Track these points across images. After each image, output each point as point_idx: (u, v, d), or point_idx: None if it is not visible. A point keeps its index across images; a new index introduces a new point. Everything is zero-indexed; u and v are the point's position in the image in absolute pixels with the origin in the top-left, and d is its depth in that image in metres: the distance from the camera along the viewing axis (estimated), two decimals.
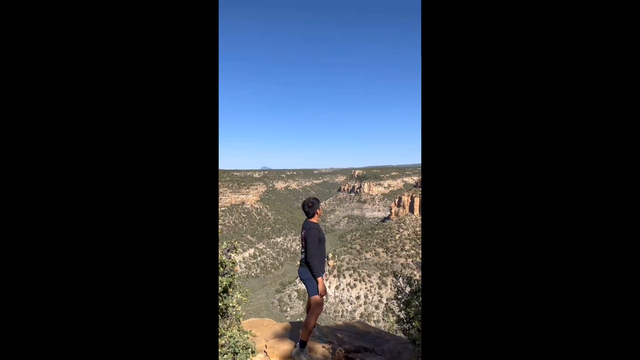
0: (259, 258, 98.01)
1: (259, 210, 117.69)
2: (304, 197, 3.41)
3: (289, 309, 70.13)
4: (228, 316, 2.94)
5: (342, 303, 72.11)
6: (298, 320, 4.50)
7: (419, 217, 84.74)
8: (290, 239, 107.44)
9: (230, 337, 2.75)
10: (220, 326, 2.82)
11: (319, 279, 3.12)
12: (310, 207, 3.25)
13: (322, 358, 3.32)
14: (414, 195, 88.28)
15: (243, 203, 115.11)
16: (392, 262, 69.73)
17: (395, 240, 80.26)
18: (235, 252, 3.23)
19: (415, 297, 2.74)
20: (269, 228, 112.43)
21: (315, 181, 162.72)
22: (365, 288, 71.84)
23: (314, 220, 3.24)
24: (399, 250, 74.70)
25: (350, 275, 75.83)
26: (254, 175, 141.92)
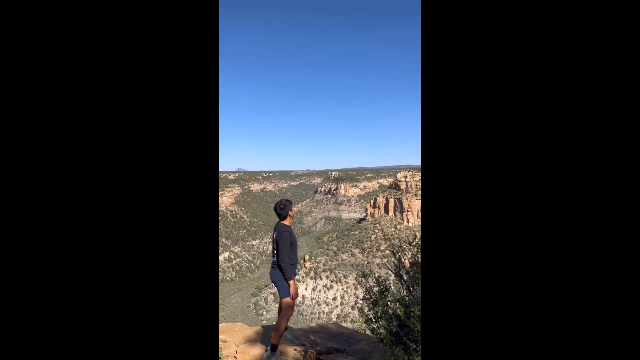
0: (234, 261, 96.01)
1: (234, 212, 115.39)
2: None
3: (265, 313, 69.18)
4: None
5: (319, 305, 72.18)
6: (272, 323, 4.46)
7: (394, 218, 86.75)
8: (266, 242, 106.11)
9: None
10: None
11: (291, 281, 3.12)
12: (282, 209, 3.24)
13: None
14: (388, 196, 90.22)
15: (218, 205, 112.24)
16: (367, 263, 70.79)
17: (371, 241, 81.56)
18: None
19: (382, 296, 2.81)
20: (245, 231, 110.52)
21: (292, 183, 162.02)
22: (342, 289, 72.37)
23: (286, 222, 3.24)
24: (374, 250, 75.98)
25: (327, 277, 76.09)
26: (229, 177, 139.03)
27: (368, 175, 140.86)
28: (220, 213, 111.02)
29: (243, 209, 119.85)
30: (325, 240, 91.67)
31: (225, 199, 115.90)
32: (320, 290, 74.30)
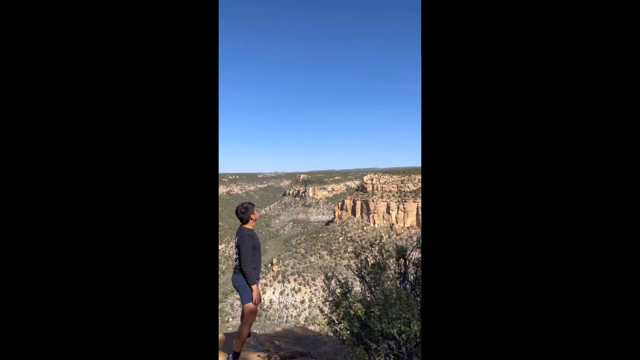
0: None
1: None
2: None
3: (230, 319, 67.09)
4: None
5: (287, 308, 71.48)
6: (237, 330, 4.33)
7: (361, 220, 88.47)
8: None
9: None
10: None
11: (254, 286, 3.05)
12: (243, 212, 3.17)
13: None
14: (355, 198, 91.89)
15: None
16: (335, 265, 71.42)
17: (338, 243, 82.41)
18: None
19: (344, 298, 2.85)
20: None
21: (259, 185, 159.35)
22: (310, 292, 72.27)
23: (248, 226, 3.17)
24: (342, 252, 76.86)
25: (295, 280, 75.64)
26: None
27: (336, 178, 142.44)
28: None
29: None
30: (294, 243, 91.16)
31: None
32: (288, 294, 73.65)
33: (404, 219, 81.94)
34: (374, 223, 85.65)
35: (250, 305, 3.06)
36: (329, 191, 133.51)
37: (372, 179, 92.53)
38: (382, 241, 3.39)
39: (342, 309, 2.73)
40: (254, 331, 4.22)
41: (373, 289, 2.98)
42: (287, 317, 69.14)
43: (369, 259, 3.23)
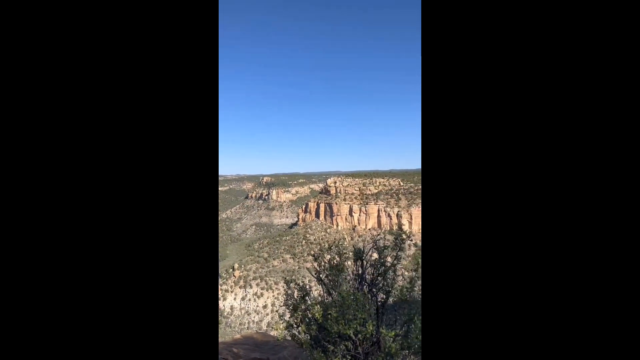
0: None
1: None
2: None
3: None
4: None
5: (249, 314, 69.73)
6: None
7: (324, 222, 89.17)
8: None
9: None
10: None
11: None
12: None
13: None
14: (319, 201, 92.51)
15: None
16: (299, 268, 71.16)
17: (302, 246, 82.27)
18: None
19: (303, 301, 2.85)
20: None
21: (220, 188, 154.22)
22: (273, 296, 71.18)
23: None
24: (305, 255, 76.79)
25: (257, 285, 74.08)
26: None
27: (300, 181, 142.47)
28: None
29: None
30: (256, 247, 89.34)
31: None
32: (250, 299, 71.86)
33: (365, 221, 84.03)
34: (337, 225, 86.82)
35: None
36: (293, 194, 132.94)
37: (335, 182, 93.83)
38: (345, 243, 3.45)
39: (300, 313, 2.72)
40: None
41: (331, 290, 3.02)
42: (248, 323, 67.43)
43: (327, 262, 3.27)
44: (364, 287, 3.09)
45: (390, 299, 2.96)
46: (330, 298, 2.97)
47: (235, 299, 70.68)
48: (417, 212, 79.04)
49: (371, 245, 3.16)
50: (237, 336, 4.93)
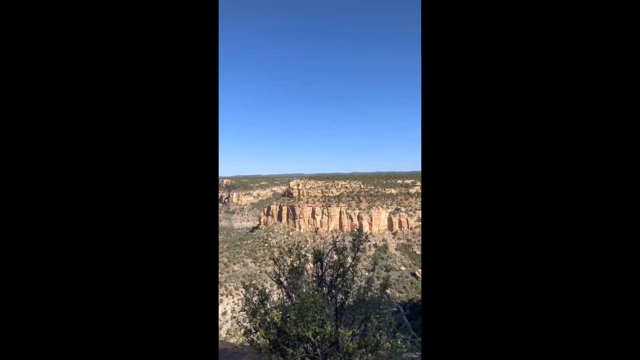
0: None
1: None
2: None
3: None
4: None
5: None
6: None
7: (287, 225, 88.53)
8: None
9: None
10: None
11: None
12: None
13: None
14: (282, 204, 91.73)
15: None
16: (260, 272, 69.77)
17: (264, 250, 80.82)
18: None
19: (262, 305, 2.81)
20: None
21: None
22: (233, 302, 68.92)
23: None
24: (267, 259, 75.56)
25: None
26: None
27: (262, 183, 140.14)
28: None
29: None
30: None
31: None
32: None
33: (328, 223, 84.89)
34: (300, 228, 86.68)
35: None
36: (254, 197, 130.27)
37: (298, 185, 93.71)
38: (308, 245, 3.46)
39: (259, 317, 2.68)
40: None
41: (291, 293, 3.01)
42: None
43: (287, 265, 3.25)
44: (324, 288, 3.12)
45: (350, 300, 3.03)
46: (289, 301, 2.96)
47: None
48: (377, 214, 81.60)
49: (330, 247, 3.21)
50: None
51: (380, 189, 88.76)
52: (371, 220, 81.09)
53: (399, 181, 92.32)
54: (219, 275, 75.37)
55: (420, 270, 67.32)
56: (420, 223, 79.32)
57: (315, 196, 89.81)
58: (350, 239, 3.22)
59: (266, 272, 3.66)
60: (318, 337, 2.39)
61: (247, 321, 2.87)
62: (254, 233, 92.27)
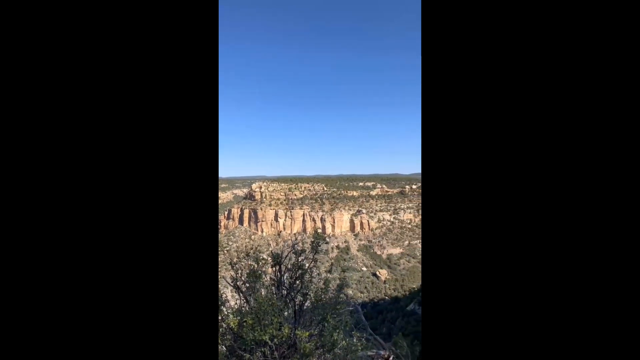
0: None
1: None
2: None
3: None
4: None
5: None
6: None
7: (248, 229, 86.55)
8: None
9: None
10: None
11: None
12: None
13: None
14: (243, 207, 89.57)
15: None
16: (220, 277, 67.26)
17: (223, 255, 78.12)
18: None
19: (218, 312, 2.75)
20: None
21: None
22: None
23: None
24: (227, 264, 73.17)
25: None
26: None
27: (222, 186, 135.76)
28: None
29: None
30: None
31: None
32: None
33: (291, 225, 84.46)
34: (262, 231, 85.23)
35: None
36: None
37: (260, 187, 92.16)
38: (270, 249, 3.44)
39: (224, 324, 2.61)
40: None
41: (248, 298, 2.98)
42: None
43: (246, 269, 3.21)
44: (283, 291, 3.13)
45: (308, 301, 3.07)
46: (247, 306, 2.93)
47: None
48: (339, 215, 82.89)
49: (289, 250, 3.23)
50: None
51: (342, 192, 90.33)
52: (334, 222, 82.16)
53: (360, 183, 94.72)
54: None
55: (380, 271, 69.43)
56: (380, 224, 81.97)
57: (279, 199, 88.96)
58: (310, 241, 3.26)
59: (223, 277, 3.58)
60: (275, 340, 2.39)
61: None
62: None
